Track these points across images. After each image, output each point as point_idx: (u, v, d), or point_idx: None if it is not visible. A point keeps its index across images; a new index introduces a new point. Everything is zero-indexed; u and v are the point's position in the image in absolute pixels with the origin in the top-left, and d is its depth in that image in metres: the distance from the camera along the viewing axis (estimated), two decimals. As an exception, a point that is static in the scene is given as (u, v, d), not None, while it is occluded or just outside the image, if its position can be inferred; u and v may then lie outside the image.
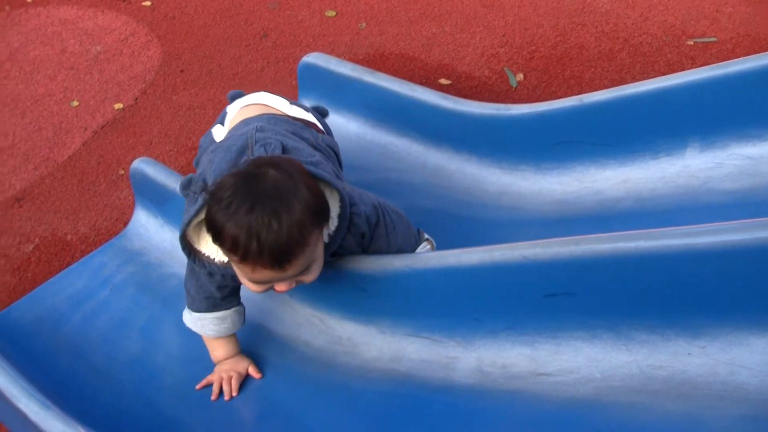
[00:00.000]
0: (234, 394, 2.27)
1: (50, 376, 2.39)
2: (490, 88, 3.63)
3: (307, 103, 3.22)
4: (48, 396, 2.15)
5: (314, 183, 1.89)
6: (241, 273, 1.91)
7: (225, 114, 2.47)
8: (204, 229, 1.94)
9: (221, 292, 2.19)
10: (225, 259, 2.01)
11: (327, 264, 2.10)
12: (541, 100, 3.35)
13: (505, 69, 3.77)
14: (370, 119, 3.11)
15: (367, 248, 2.21)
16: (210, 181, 2.03)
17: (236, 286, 2.20)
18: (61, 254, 3.09)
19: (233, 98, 2.54)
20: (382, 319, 2.27)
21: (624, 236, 1.82)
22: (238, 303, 2.28)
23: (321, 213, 1.91)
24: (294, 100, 2.54)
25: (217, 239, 1.83)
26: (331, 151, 2.37)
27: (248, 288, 1.98)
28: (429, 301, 2.15)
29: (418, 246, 2.31)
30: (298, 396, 2.24)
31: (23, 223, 3.26)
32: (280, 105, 2.44)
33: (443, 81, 3.71)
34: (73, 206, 3.32)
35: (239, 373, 2.30)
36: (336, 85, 3.17)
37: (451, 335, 2.13)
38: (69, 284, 2.74)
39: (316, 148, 2.22)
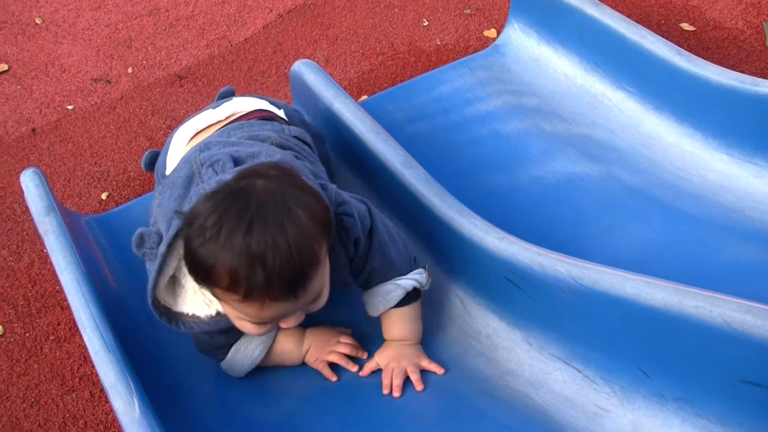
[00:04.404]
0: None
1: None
2: (739, 45, 3.03)
3: (519, 26, 2.76)
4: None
5: (309, 185, 1.58)
6: (242, 314, 1.56)
7: (168, 144, 2.06)
8: (178, 285, 1.67)
9: (230, 338, 1.83)
10: (212, 312, 1.69)
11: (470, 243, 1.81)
12: (802, 73, 2.76)
13: (765, 24, 3.17)
14: (584, 60, 2.64)
15: (356, 261, 1.82)
16: (163, 228, 1.68)
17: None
18: (210, 148, 2.78)
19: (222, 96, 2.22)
20: (531, 327, 1.86)
21: None
22: None
23: (327, 220, 1.57)
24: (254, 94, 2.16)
25: (207, 280, 1.49)
26: (302, 144, 1.96)
27: (246, 332, 1.64)
28: (590, 327, 1.72)
29: (413, 271, 1.87)
30: (411, 402, 1.84)
31: (178, 106, 2.98)
32: (228, 110, 2.05)
33: (685, 26, 3.13)
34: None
35: (336, 335, 1.93)
36: (554, 12, 2.71)
37: (607, 378, 1.71)
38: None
39: (282, 146, 1.86)
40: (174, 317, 1.69)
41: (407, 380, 1.85)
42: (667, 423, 1.60)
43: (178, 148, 1.97)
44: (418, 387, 1.83)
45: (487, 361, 1.88)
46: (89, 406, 2.11)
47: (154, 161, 2.10)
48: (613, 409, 1.67)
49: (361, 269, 1.82)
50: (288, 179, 1.51)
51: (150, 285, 1.64)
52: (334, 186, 1.74)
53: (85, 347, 2.16)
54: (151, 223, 1.86)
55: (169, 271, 1.63)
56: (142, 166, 2.14)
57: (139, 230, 1.69)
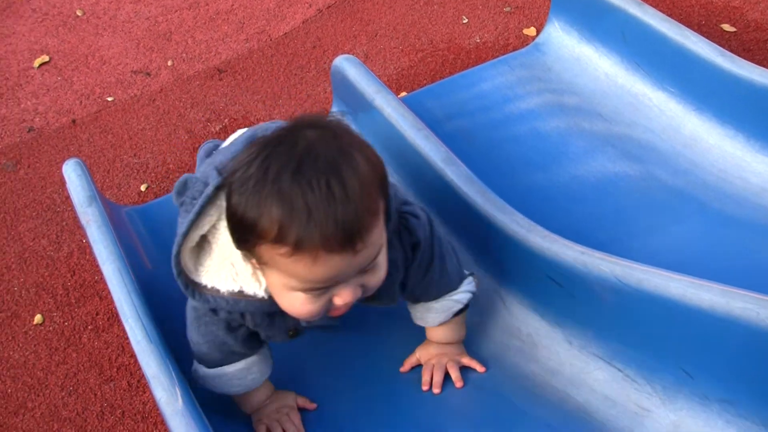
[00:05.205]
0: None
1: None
2: (782, 46, 2.99)
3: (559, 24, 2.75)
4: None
5: (363, 138, 1.41)
6: (291, 278, 1.36)
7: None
8: (205, 252, 1.53)
9: (234, 337, 1.65)
10: (235, 287, 1.51)
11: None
12: None
13: (809, 25, 3.12)
14: (626, 59, 2.61)
15: (414, 272, 1.70)
16: (212, 179, 1.50)
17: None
18: (248, 142, 2.79)
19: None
20: (572, 325, 1.85)
21: None
22: (262, 344, 1.74)
23: (384, 175, 1.41)
24: None
25: (253, 234, 1.32)
26: None
27: (294, 310, 1.45)
28: (633, 327, 1.71)
29: (463, 281, 1.81)
30: (451, 398, 1.83)
31: (217, 99, 2.99)
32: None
33: (726, 27, 3.10)
34: (275, 90, 3.01)
35: (292, 407, 1.81)
36: (595, 10, 2.68)
37: (649, 378, 1.69)
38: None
39: None
40: (191, 284, 1.54)
41: (447, 377, 1.84)
42: (709, 424, 1.59)
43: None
44: (458, 384, 1.82)
45: (528, 359, 1.87)
46: (127, 395, 2.12)
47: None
48: (654, 409, 1.66)
49: (419, 281, 1.72)
50: (341, 127, 1.38)
51: (179, 233, 1.49)
52: (395, 183, 1.64)
53: (123, 337, 2.19)
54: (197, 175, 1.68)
55: (204, 225, 1.50)
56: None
57: (185, 175, 1.60)
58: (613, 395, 1.72)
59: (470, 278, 1.82)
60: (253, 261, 1.44)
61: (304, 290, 1.38)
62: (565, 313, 1.84)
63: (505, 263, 1.93)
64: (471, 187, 1.95)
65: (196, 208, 1.47)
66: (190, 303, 1.64)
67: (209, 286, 1.53)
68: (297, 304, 1.42)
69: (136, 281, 1.80)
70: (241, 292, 1.51)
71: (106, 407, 2.10)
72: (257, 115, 2.90)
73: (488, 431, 1.75)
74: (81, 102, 3.04)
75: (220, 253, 1.51)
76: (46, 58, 3.26)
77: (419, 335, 1.91)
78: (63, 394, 2.13)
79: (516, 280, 1.94)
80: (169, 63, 3.18)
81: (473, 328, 1.96)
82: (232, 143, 1.71)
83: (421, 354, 1.88)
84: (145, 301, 1.76)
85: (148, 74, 3.14)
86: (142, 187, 2.68)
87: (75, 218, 2.52)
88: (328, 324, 1.63)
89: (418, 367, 1.88)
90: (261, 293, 1.51)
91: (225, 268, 1.51)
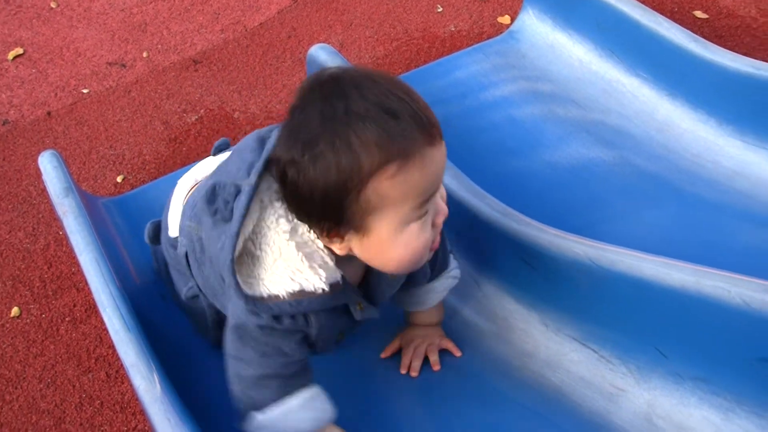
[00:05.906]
0: None
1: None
2: (752, 33, 3.02)
3: (533, 12, 2.76)
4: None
5: None
6: (405, 201, 1.30)
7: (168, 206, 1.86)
8: (247, 264, 1.42)
9: (291, 347, 1.53)
10: (295, 286, 1.41)
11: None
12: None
13: (782, 11, 3.14)
14: (599, 46, 2.63)
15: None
16: (241, 178, 1.40)
17: (306, 334, 1.55)
18: (224, 132, 2.80)
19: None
20: (547, 308, 1.86)
21: None
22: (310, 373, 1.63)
23: None
24: None
25: (352, 181, 1.25)
26: None
27: (410, 251, 1.37)
28: (607, 308, 1.72)
29: (450, 258, 1.81)
30: (429, 381, 1.84)
31: (193, 90, 2.99)
32: None
33: (698, 14, 3.12)
34: (250, 80, 3.01)
35: None
36: (569, -4, 2.69)
37: (623, 359, 1.71)
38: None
39: None
40: (250, 299, 1.43)
41: (425, 360, 1.86)
42: (683, 402, 1.61)
43: (178, 203, 1.78)
44: (435, 368, 1.83)
45: (504, 342, 1.88)
46: (105, 386, 2.11)
47: (158, 232, 1.88)
48: (629, 388, 1.68)
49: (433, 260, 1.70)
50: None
51: (230, 235, 1.37)
52: None
53: (101, 328, 2.19)
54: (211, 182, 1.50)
55: (248, 226, 1.40)
56: (147, 240, 1.92)
57: (209, 182, 1.45)
58: (589, 376, 1.73)
59: (456, 263, 1.82)
60: (337, 243, 1.39)
61: (417, 208, 1.32)
62: (540, 296, 1.85)
63: (479, 247, 1.94)
64: (446, 173, 1.95)
65: (242, 203, 1.38)
66: (235, 323, 1.53)
67: (265, 295, 1.43)
68: (413, 239, 1.35)
69: (114, 271, 1.80)
70: (301, 291, 1.42)
71: (85, 398, 2.09)
72: (233, 105, 2.90)
73: (465, 413, 1.76)
74: (56, 94, 3.03)
75: (269, 256, 1.42)
76: (20, 50, 3.24)
77: (399, 321, 1.93)
78: (41, 386, 2.13)
79: (491, 264, 1.95)
80: (145, 54, 3.18)
81: (448, 312, 1.96)
82: (237, 148, 1.55)
83: (403, 339, 1.89)
84: (123, 290, 1.76)
85: (124, 66, 3.13)
86: (119, 179, 2.67)
87: (51, 210, 2.52)
88: (373, 316, 1.62)
89: (398, 352, 1.90)
90: (321, 284, 1.42)
91: (279, 269, 1.42)
